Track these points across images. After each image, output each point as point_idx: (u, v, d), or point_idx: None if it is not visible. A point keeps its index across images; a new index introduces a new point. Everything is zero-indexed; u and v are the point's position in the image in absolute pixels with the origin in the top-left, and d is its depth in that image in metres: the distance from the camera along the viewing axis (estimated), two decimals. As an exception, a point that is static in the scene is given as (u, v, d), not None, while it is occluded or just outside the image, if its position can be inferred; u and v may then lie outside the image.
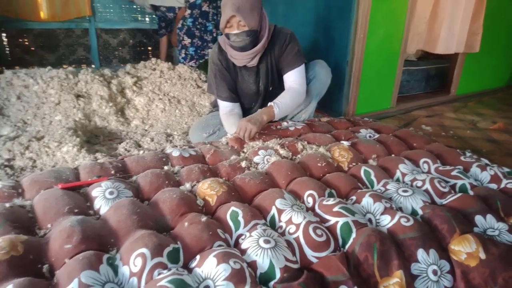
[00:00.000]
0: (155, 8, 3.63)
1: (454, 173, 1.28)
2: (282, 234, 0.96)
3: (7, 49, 3.85)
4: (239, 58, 1.79)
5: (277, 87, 1.92)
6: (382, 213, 1.04)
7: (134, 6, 4.35)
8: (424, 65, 3.43)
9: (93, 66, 4.35)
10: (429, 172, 1.36)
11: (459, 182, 1.24)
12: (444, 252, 0.94)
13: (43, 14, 3.84)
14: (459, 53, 3.29)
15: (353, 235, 0.94)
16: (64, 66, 3.74)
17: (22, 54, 4.01)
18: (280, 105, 1.72)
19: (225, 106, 1.90)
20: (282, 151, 1.44)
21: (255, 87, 1.92)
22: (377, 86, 2.74)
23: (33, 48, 4.07)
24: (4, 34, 3.80)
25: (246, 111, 1.95)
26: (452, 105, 3.23)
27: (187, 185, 1.17)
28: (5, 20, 3.71)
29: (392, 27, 2.59)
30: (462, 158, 1.42)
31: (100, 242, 0.87)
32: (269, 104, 1.74)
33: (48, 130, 1.98)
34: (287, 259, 0.85)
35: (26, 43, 4.05)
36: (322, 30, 2.66)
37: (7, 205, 0.97)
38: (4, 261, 0.77)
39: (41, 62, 4.06)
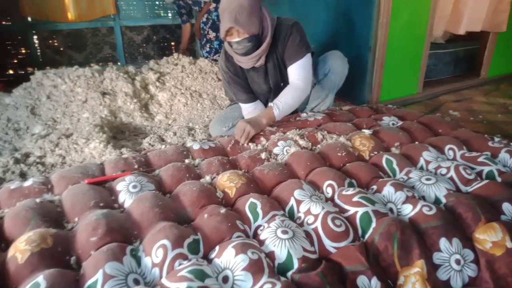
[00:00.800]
0: None
1: (480, 159, 1.24)
2: (301, 224, 0.96)
3: (38, 50, 4.01)
4: (244, 62, 1.76)
5: (288, 82, 1.86)
6: (404, 202, 1.03)
7: (157, 2, 4.40)
8: (452, 47, 3.29)
9: (119, 63, 4.46)
10: (454, 159, 1.32)
11: (486, 169, 1.19)
12: (468, 241, 0.91)
13: (70, 15, 3.97)
14: (490, 34, 3.14)
15: (373, 225, 0.93)
16: (92, 65, 3.86)
17: (53, 54, 4.16)
18: (280, 105, 1.67)
19: (247, 107, 1.90)
20: (301, 142, 1.44)
21: (266, 87, 1.90)
22: (402, 72, 2.65)
23: (62, 49, 4.21)
24: (35, 37, 3.95)
25: None
26: (483, 88, 3.09)
27: (207, 178, 1.19)
28: (36, 23, 3.86)
29: (416, 10, 2.49)
30: (490, 143, 1.36)
31: (124, 234, 0.91)
32: (269, 104, 1.69)
33: (76, 128, 2.06)
34: (305, 250, 0.85)
35: (56, 44, 4.19)
36: (343, 16, 2.60)
37: (38, 200, 1.03)
38: (35, 253, 0.81)
39: (70, 61, 4.20)
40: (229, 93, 2.01)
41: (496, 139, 1.41)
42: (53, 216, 0.99)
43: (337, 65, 1.92)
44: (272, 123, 1.70)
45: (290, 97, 1.71)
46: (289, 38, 1.74)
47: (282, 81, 1.87)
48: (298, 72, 1.75)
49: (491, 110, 2.48)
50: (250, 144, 1.52)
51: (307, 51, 1.76)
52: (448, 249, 0.88)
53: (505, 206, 1.00)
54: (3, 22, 3.81)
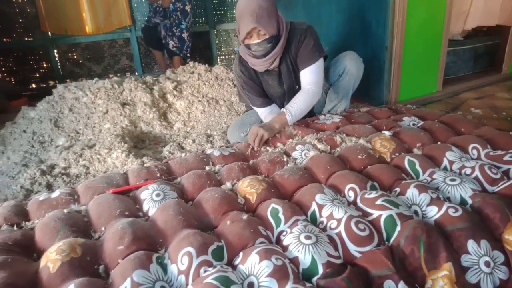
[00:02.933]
0: None
1: (506, 157, 1.20)
2: (324, 229, 0.96)
3: (59, 64, 4.13)
4: (259, 65, 1.78)
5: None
6: (429, 204, 1.01)
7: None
8: (471, 44, 3.22)
9: (136, 73, 4.55)
10: (478, 158, 1.29)
11: (513, 168, 1.16)
12: (497, 243, 0.89)
13: (88, 28, 4.08)
14: (510, 28, 3.06)
15: (398, 228, 0.91)
16: (110, 76, 3.96)
17: (72, 67, 4.29)
18: (292, 110, 1.68)
19: (263, 111, 1.92)
20: (320, 145, 1.43)
21: (280, 90, 1.91)
22: (420, 70, 2.62)
23: (81, 61, 4.33)
24: (55, 51, 4.08)
25: None
26: (505, 84, 3.00)
27: (228, 184, 1.20)
28: (56, 38, 3.98)
29: (432, 7, 2.46)
30: (515, 141, 1.32)
31: (149, 242, 0.93)
32: (281, 110, 1.71)
33: (99, 138, 2.11)
34: (329, 255, 0.85)
35: (75, 56, 4.31)
36: (358, 16, 2.59)
37: (65, 211, 1.06)
38: (66, 262, 0.83)
39: (89, 73, 4.32)
40: (243, 98, 2.03)
41: (522, 136, 1.37)
42: (80, 226, 1.02)
43: (352, 66, 1.90)
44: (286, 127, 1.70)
45: (302, 101, 1.72)
46: (303, 42, 1.74)
47: (296, 84, 1.87)
48: (310, 76, 1.76)
49: (515, 106, 2.41)
50: (267, 148, 1.53)
51: (320, 56, 1.77)
52: (476, 251, 0.86)
53: (535, 205, 0.97)
54: (25, 38, 3.95)
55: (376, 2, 2.38)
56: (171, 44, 3.69)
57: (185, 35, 3.68)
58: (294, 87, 1.88)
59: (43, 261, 0.85)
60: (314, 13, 3.06)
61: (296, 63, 1.81)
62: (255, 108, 1.96)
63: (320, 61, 1.78)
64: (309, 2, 3.13)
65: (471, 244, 0.87)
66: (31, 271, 0.84)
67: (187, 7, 3.60)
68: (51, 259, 0.84)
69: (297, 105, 1.70)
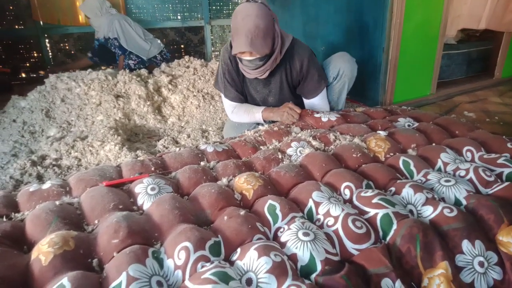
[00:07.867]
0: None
1: (500, 161, 1.22)
2: (321, 226, 0.96)
3: (50, 54, 4.06)
4: (249, 73, 1.75)
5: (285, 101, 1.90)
6: (424, 204, 1.02)
7: (166, 5, 4.43)
8: (465, 48, 3.26)
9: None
10: (472, 160, 1.30)
11: (506, 170, 1.17)
12: (491, 244, 0.90)
13: (81, 19, 4.02)
14: (504, 34, 3.10)
15: (394, 226, 0.92)
16: (103, 68, 3.89)
17: (64, 58, 4.21)
18: None
19: (231, 104, 1.94)
20: (314, 143, 1.43)
21: (261, 95, 1.91)
22: (416, 73, 2.64)
23: (73, 52, 4.26)
24: (47, 40, 4.00)
25: None
26: (497, 89, 3.05)
27: (224, 180, 1.19)
28: (48, 27, 3.91)
29: (429, 11, 2.48)
30: (508, 144, 1.34)
31: (144, 236, 0.91)
32: None
33: (91, 130, 2.08)
34: (327, 252, 0.84)
35: (67, 47, 4.24)
36: (356, 17, 2.60)
37: (57, 202, 1.03)
38: (58, 255, 0.81)
39: (81, 64, 4.24)
40: (218, 85, 1.97)
41: (515, 140, 1.39)
42: (72, 219, 0.99)
43: (346, 69, 1.90)
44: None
45: None
46: (309, 72, 1.80)
47: (282, 101, 1.90)
48: (319, 103, 1.91)
49: (507, 111, 2.44)
50: (261, 147, 1.51)
51: (325, 85, 1.89)
52: (471, 251, 0.87)
53: (528, 208, 0.98)
54: (16, 27, 3.86)
55: (375, 4, 2.39)
56: (131, 63, 3.54)
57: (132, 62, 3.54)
58: (278, 102, 1.91)
59: (34, 254, 0.83)
60: (312, 12, 3.06)
61: (293, 83, 1.87)
62: (225, 99, 1.95)
63: (325, 89, 1.91)
64: (306, 2, 3.12)
65: (465, 244, 0.88)
66: (22, 264, 0.82)
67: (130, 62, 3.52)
68: (43, 252, 0.82)
69: None
